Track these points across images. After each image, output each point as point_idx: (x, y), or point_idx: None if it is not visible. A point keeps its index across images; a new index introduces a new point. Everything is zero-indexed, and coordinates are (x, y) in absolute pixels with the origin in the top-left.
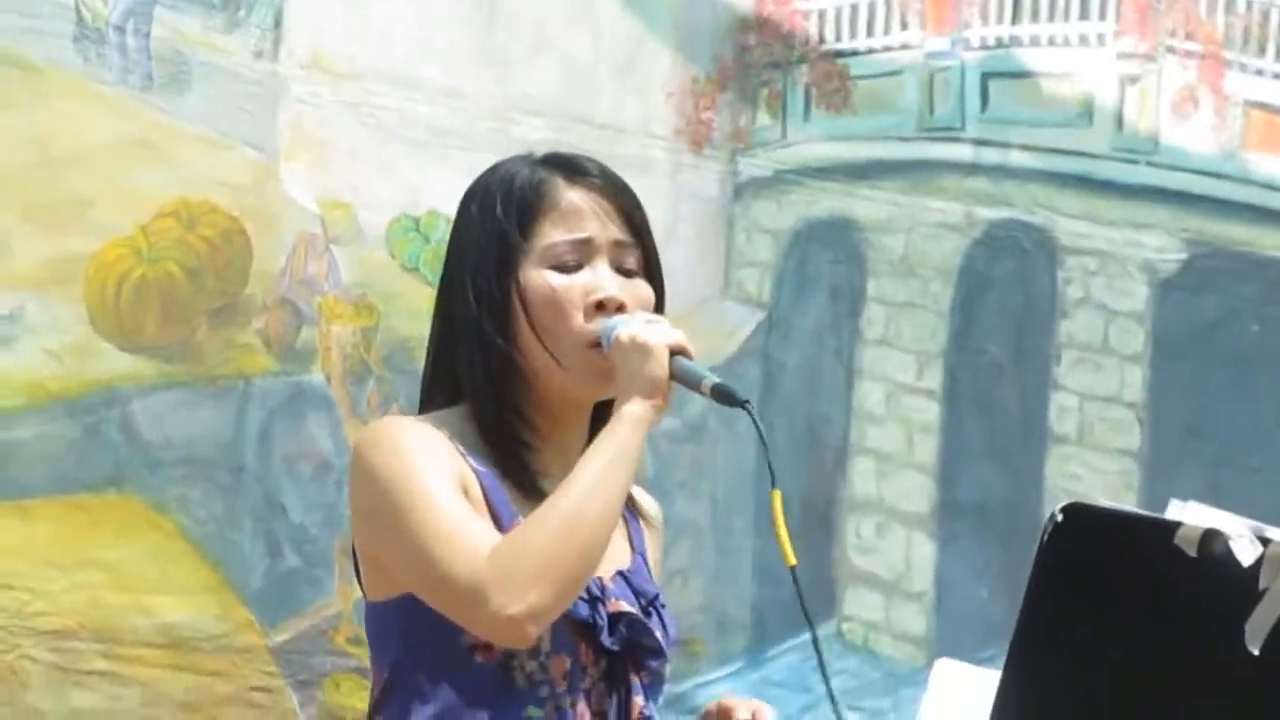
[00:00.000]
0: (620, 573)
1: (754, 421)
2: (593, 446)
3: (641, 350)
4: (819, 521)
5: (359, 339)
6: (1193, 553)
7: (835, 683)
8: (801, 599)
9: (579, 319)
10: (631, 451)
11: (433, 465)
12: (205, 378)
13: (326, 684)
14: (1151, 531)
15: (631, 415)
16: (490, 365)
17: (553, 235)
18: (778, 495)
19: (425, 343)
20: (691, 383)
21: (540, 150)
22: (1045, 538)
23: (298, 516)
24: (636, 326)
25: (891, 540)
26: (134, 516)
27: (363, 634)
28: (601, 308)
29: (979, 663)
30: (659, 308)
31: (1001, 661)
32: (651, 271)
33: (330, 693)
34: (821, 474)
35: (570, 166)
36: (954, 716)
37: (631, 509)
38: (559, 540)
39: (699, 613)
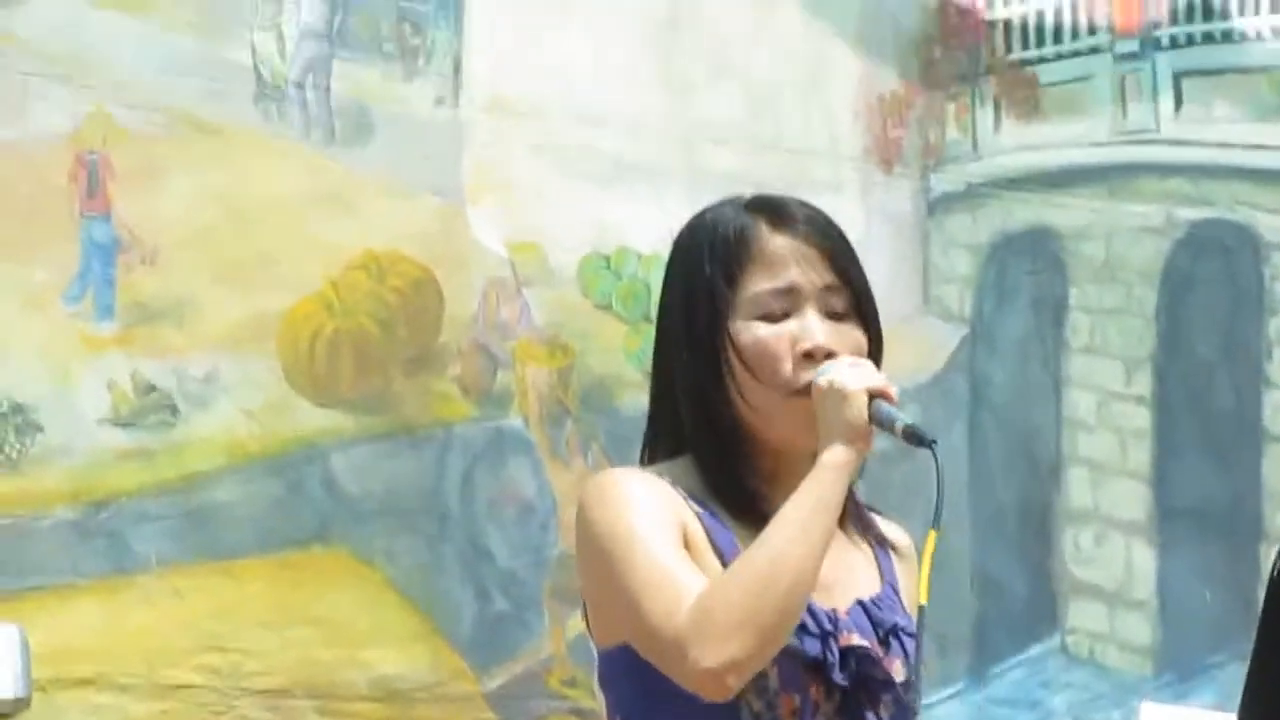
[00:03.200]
0: (861, 603)
1: (935, 462)
2: (794, 495)
3: (839, 395)
4: (1035, 534)
5: (555, 380)
6: None
7: (1063, 696)
8: (919, 639)
9: (788, 369)
10: (833, 499)
11: (650, 515)
12: (403, 428)
13: None
14: None
15: (832, 462)
16: (708, 416)
17: (757, 285)
18: (933, 536)
19: (620, 380)
20: (886, 426)
21: (746, 193)
22: (1275, 572)
23: (504, 561)
24: (835, 372)
25: (1110, 549)
26: (341, 570)
27: (578, 675)
28: (810, 357)
29: (1207, 669)
30: (875, 347)
31: (1230, 668)
32: (864, 312)
33: None
34: (1036, 486)
35: (774, 211)
36: None
37: (880, 541)
38: (757, 591)
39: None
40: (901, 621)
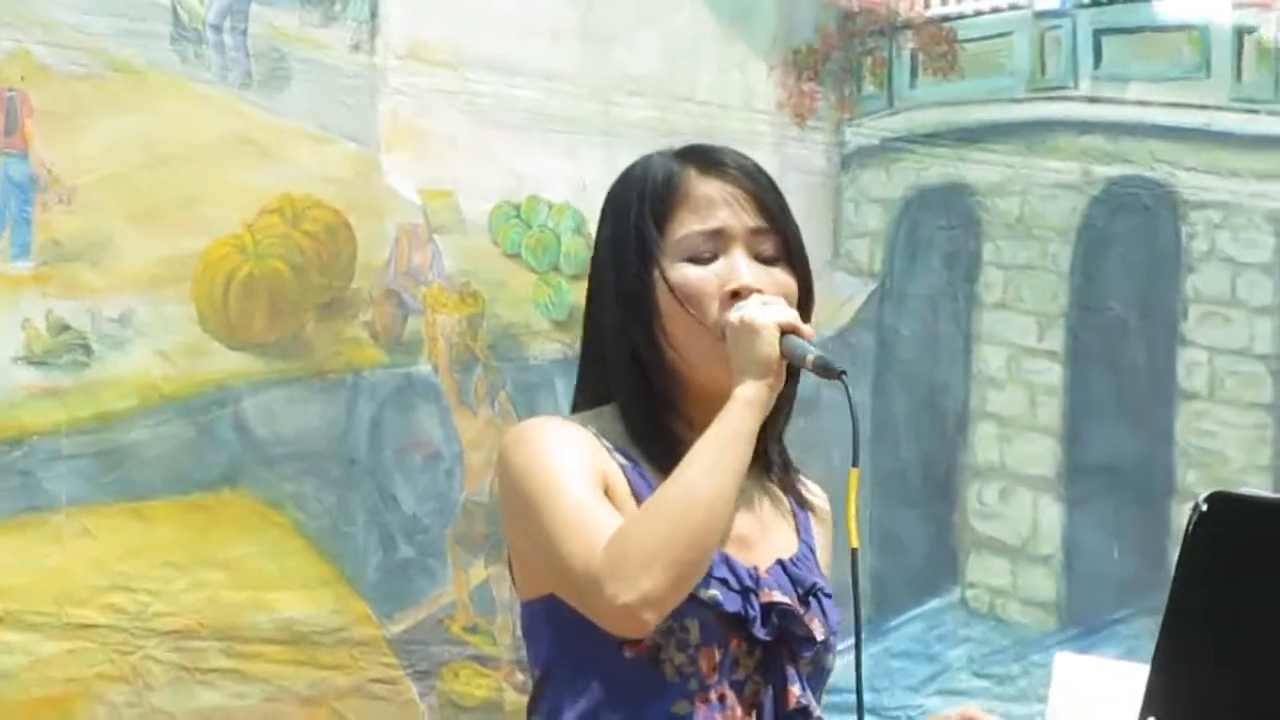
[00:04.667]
0: (780, 562)
1: (847, 394)
2: (707, 431)
3: (750, 330)
4: (940, 489)
5: (464, 327)
6: None
7: (961, 650)
8: (855, 583)
9: (714, 310)
10: (745, 434)
11: (569, 461)
12: (314, 372)
13: (445, 673)
14: None
15: (743, 397)
16: (635, 360)
17: (686, 228)
18: (855, 474)
19: (528, 329)
20: (797, 359)
21: (678, 143)
22: (1190, 527)
23: (410, 507)
24: (747, 308)
25: (1016, 505)
26: (249, 514)
27: (480, 621)
28: (737, 296)
29: (1112, 624)
30: (804, 291)
31: (1135, 623)
32: (793, 257)
33: (449, 681)
34: (941, 441)
35: (704, 157)
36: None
37: (800, 500)
38: (670, 526)
39: None
40: (820, 581)
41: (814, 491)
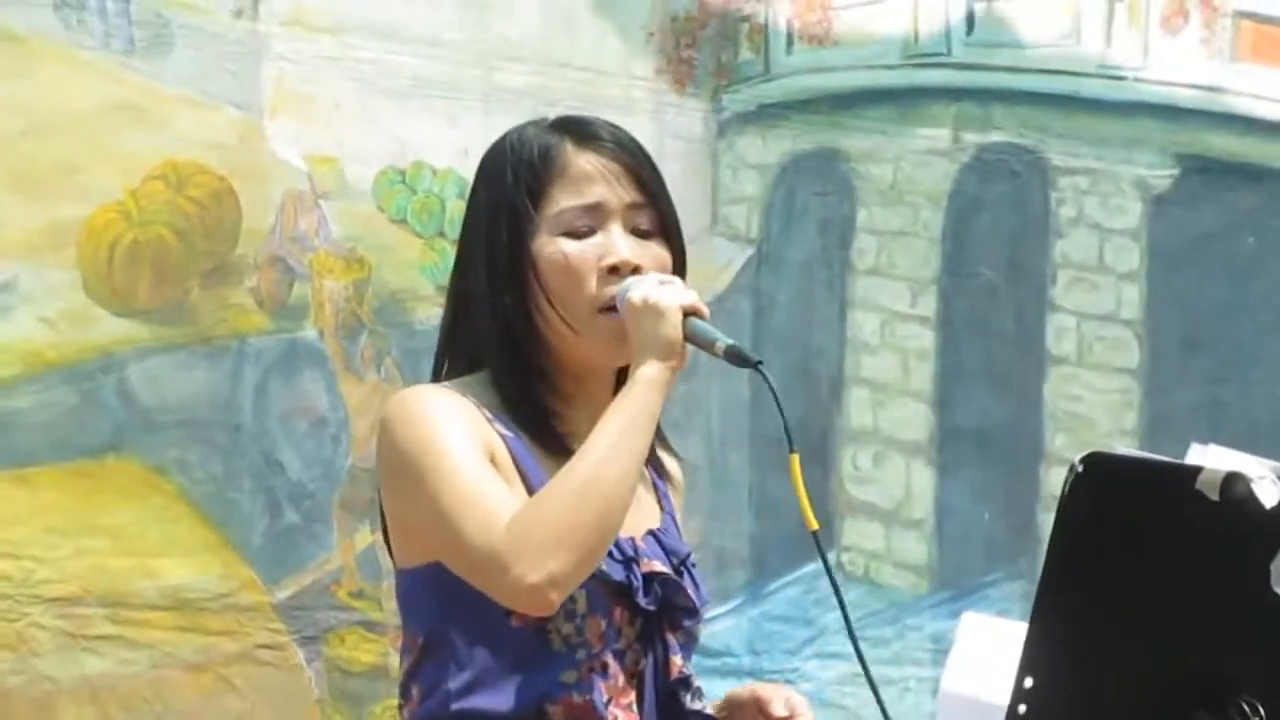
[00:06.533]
0: (651, 533)
1: (767, 383)
2: (609, 410)
3: (654, 312)
4: (814, 454)
5: (351, 293)
6: (1215, 497)
7: (837, 613)
8: (825, 562)
9: (592, 284)
10: (649, 413)
11: (457, 432)
12: (199, 339)
13: (331, 638)
14: (1173, 477)
15: (647, 377)
16: (509, 334)
17: (563, 202)
18: (796, 459)
19: (414, 294)
20: (705, 344)
21: (550, 114)
22: (1066, 488)
23: (295, 473)
24: (648, 288)
25: (889, 469)
26: (134, 480)
27: (365, 587)
28: (615, 271)
29: (982, 587)
30: (679, 266)
31: (1005, 586)
32: (669, 231)
33: (335, 647)
34: (816, 406)
35: (579, 130)
36: (981, 669)
37: (658, 470)
38: (577, 506)
39: (696, 550)
40: (685, 551)
41: (668, 460)
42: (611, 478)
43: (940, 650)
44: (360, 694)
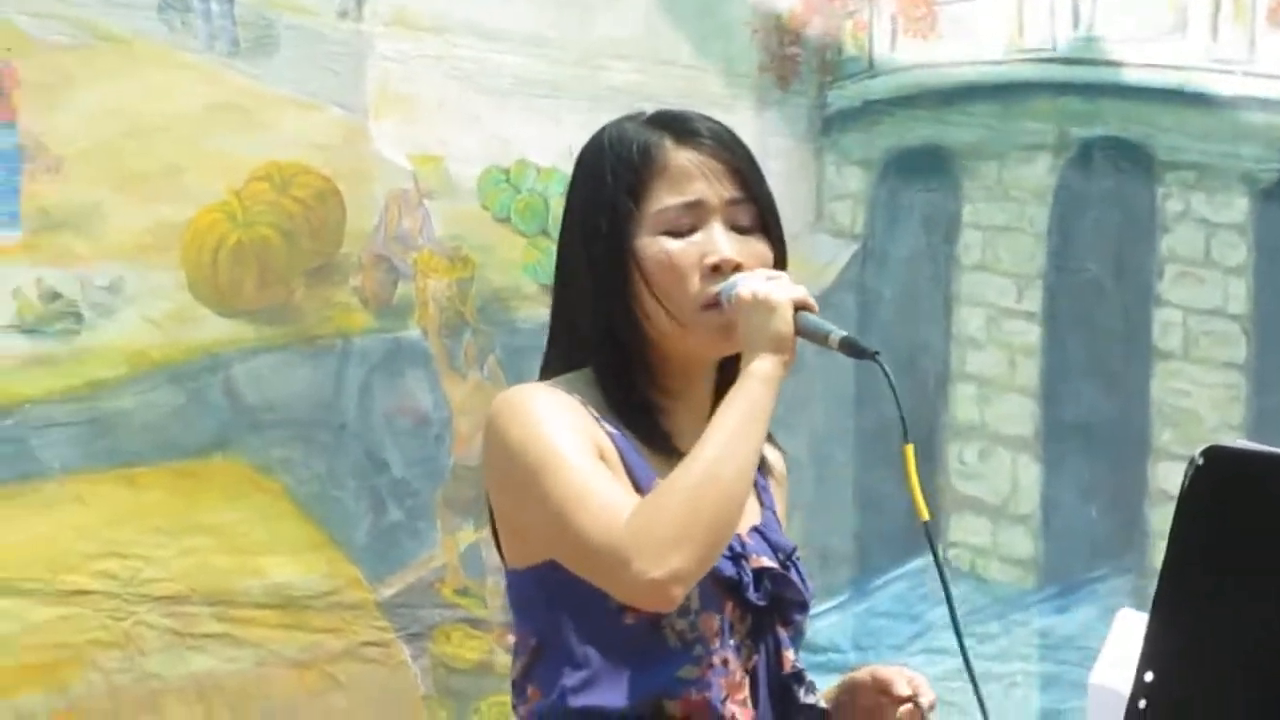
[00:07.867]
0: (755, 528)
1: (885, 373)
2: (724, 405)
3: (765, 306)
4: (920, 449)
5: (454, 292)
6: None
7: (943, 609)
8: (935, 553)
9: (695, 283)
10: (763, 408)
11: (567, 430)
12: (304, 338)
13: (437, 635)
14: None
15: (760, 371)
16: (612, 332)
17: (664, 200)
18: (910, 449)
19: (517, 293)
20: (818, 337)
21: (647, 108)
22: (1186, 483)
23: (399, 471)
24: (758, 283)
25: (996, 464)
26: (239, 479)
27: (470, 584)
28: (717, 270)
29: (1088, 582)
30: (779, 261)
31: (1111, 581)
32: (769, 226)
33: (441, 644)
34: (922, 402)
35: (678, 126)
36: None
37: (761, 465)
38: (697, 501)
39: (801, 547)
40: (790, 545)
41: (771, 453)
42: (729, 473)
43: (1047, 645)
44: (465, 690)
